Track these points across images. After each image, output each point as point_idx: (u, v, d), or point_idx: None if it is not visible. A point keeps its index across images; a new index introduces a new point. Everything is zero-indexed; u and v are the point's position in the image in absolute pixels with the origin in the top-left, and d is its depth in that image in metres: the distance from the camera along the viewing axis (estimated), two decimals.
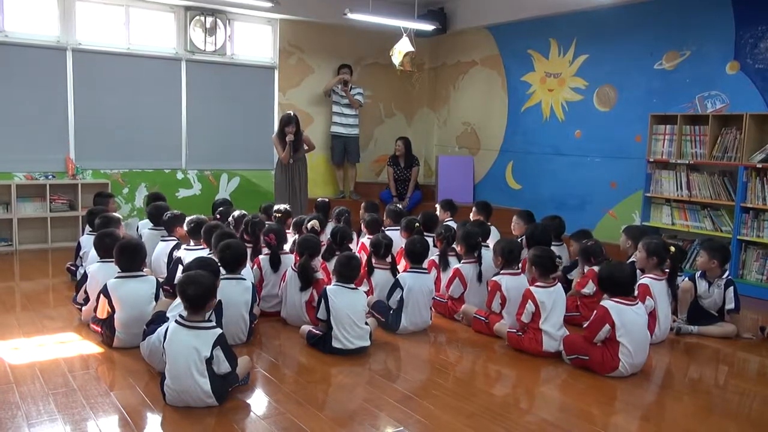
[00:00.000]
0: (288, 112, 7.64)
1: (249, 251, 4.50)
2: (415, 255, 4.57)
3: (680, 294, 4.66)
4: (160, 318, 3.57)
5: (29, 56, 6.94)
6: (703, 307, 4.70)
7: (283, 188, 7.62)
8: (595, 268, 4.51)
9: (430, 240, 5.37)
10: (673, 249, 4.48)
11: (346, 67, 8.71)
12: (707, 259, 4.64)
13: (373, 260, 4.72)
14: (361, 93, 8.75)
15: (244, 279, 4.15)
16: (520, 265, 4.52)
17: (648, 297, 4.26)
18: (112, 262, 4.16)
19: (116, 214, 5.44)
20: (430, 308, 4.60)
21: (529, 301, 4.02)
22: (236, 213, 5.66)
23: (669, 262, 4.44)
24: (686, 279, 4.77)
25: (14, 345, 3.94)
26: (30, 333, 4.18)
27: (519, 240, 5.26)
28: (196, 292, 3.13)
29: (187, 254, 4.65)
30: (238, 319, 4.00)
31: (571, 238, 5.42)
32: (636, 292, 4.23)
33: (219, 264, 3.97)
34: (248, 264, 4.43)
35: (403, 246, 4.82)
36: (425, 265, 4.71)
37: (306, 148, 7.74)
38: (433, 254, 5.12)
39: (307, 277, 4.34)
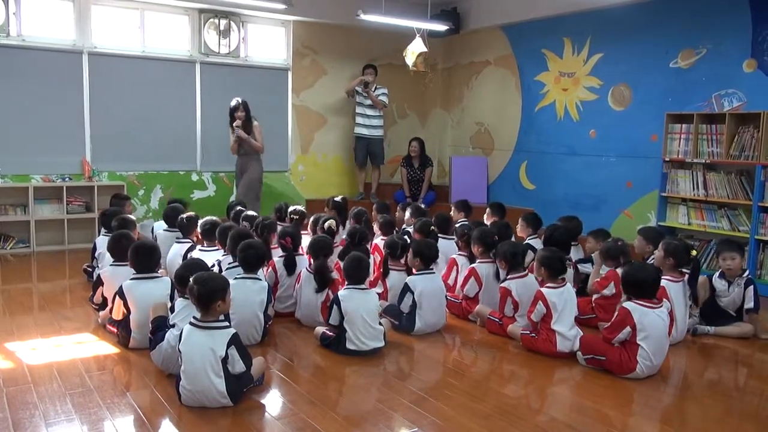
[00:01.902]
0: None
1: None
2: (428, 258, 4.54)
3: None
4: (162, 324, 3.58)
5: (46, 60, 7.01)
6: (720, 306, 4.66)
7: (237, 182, 7.54)
8: (619, 270, 4.42)
9: (445, 242, 5.36)
10: (694, 252, 4.43)
11: (371, 67, 8.52)
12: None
13: (389, 261, 4.71)
14: (385, 93, 8.55)
15: (260, 279, 4.17)
16: (526, 267, 4.51)
17: (665, 299, 4.22)
18: (126, 265, 4.19)
19: (132, 216, 5.49)
20: (445, 308, 4.60)
21: (540, 302, 4.01)
22: (246, 214, 5.68)
23: (690, 264, 4.39)
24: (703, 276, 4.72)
25: (32, 345, 3.99)
26: (47, 334, 4.22)
27: (526, 243, 5.22)
28: (199, 292, 3.15)
29: (202, 256, 4.68)
30: (252, 318, 4.02)
31: (590, 236, 5.39)
32: None
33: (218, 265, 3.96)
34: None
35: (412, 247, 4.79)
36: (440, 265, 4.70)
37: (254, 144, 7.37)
38: (450, 255, 5.12)
39: (323, 279, 4.34)
